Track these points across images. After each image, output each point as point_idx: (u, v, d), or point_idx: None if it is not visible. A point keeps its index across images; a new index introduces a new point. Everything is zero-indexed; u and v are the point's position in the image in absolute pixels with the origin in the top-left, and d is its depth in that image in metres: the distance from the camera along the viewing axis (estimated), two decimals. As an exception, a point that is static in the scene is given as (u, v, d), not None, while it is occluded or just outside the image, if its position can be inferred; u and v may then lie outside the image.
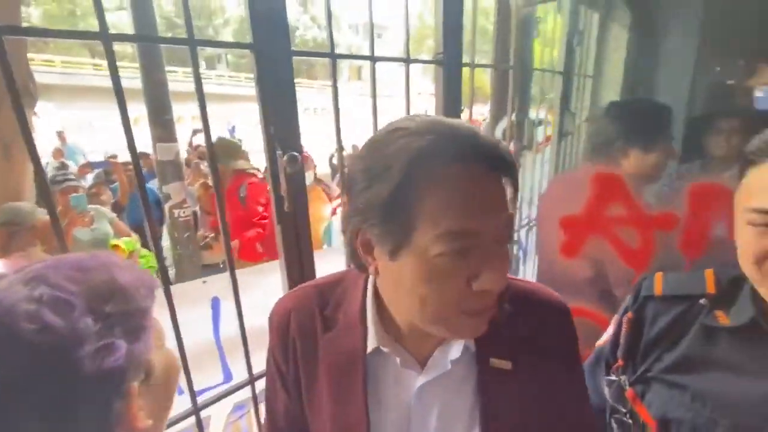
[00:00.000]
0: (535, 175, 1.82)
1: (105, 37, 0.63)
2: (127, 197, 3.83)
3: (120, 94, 0.66)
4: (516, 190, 0.48)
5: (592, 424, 0.65)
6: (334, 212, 3.07)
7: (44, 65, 13.84)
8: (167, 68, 3.04)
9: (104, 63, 0.68)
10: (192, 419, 0.90)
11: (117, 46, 0.66)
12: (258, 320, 1.12)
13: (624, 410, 0.74)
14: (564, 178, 1.54)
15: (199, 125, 0.84)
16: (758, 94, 1.28)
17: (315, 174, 3.82)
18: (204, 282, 1.11)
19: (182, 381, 0.79)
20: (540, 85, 2.14)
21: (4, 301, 0.38)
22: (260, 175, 2.94)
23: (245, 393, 1.02)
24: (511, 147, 1.67)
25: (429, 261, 0.45)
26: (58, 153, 6.43)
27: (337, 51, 0.90)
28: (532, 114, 1.93)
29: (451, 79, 1.18)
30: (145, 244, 3.00)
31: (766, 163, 0.56)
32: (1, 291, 0.39)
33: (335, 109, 0.95)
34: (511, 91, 1.56)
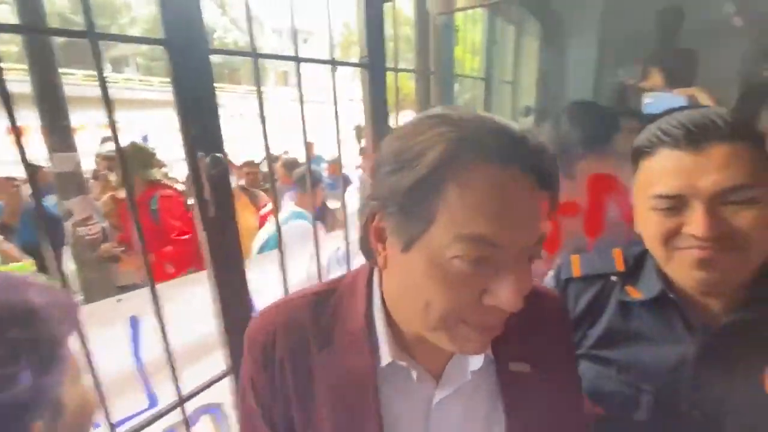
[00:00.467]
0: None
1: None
2: (16, 216, 3.33)
3: (6, 99, 0.58)
4: (555, 207, 0.44)
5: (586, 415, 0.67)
6: (263, 221, 2.95)
7: None
8: (63, 70, 2.71)
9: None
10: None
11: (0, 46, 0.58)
12: (185, 337, 1.05)
13: None
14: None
15: (107, 134, 0.77)
16: (647, 100, 1.43)
17: (240, 181, 3.65)
18: (119, 301, 1.01)
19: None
20: (471, 91, 2.27)
21: None
22: (179, 187, 2.72)
23: (175, 416, 0.94)
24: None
25: (443, 262, 0.42)
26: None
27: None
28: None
29: (376, 83, 1.21)
30: (43, 268, 2.62)
31: (657, 153, 0.63)
32: None
33: (261, 112, 0.92)
34: (434, 97, 1.64)
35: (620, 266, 0.76)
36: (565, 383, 0.60)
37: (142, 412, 1.01)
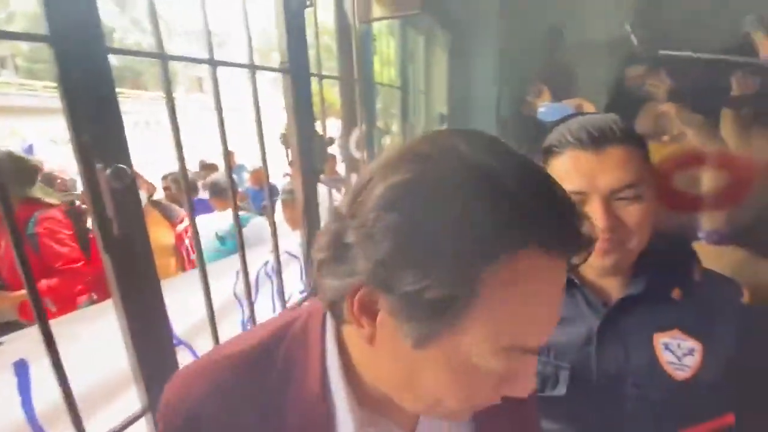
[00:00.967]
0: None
1: None
2: None
3: None
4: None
5: None
6: (180, 240, 2.71)
7: None
8: None
9: None
10: None
11: None
12: (87, 378, 0.91)
13: None
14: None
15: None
16: (541, 109, 1.62)
17: (150, 196, 3.32)
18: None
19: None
20: (387, 99, 2.33)
21: None
22: (63, 206, 2.27)
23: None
24: (362, 155, 1.77)
25: (465, 361, 0.34)
26: None
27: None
28: (379, 125, 2.09)
29: (300, 90, 1.18)
30: None
31: (564, 153, 0.72)
32: None
33: (173, 120, 0.84)
34: (359, 104, 1.65)
35: None
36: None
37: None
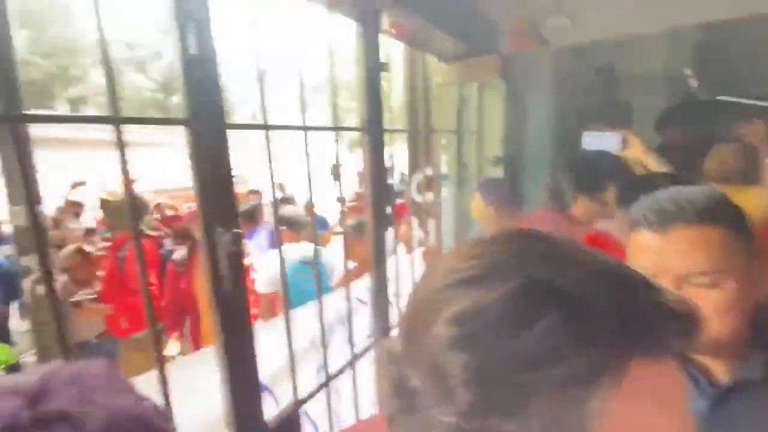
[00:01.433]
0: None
1: None
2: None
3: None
4: None
5: None
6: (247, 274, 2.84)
7: None
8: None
9: None
10: None
11: None
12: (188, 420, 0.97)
13: None
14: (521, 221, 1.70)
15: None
16: (586, 139, 1.47)
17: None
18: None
19: None
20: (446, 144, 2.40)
21: None
22: (156, 238, 2.63)
23: None
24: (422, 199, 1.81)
25: None
26: None
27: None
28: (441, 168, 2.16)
29: (376, 145, 1.26)
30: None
31: (638, 231, 0.65)
32: None
33: (272, 186, 0.93)
34: (423, 151, 1.71)
35: None
36: None
37: None
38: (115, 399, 0.35)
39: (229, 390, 0.85)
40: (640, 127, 1.92)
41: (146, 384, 0.67)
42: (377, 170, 1.25)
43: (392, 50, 1.50)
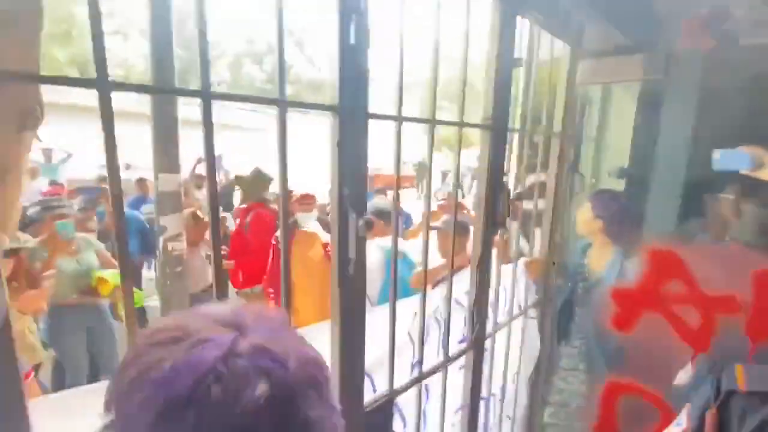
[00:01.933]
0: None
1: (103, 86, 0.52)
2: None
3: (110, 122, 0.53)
4: None
5: None
6: (328, 255, 2.98)
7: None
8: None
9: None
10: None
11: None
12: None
13: None
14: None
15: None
16: (715, 156, 1.27)
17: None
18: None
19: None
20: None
21: None
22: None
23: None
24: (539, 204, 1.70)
25: None
26: (33, 172, 5.88)
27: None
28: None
29: (498, 143, 1.21)
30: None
31: None
32: None
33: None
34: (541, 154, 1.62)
35: None
36: None
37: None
38: (298, 341, 0.37)
39: (339, 365, 0.89)
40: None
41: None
42: (495, 169, 1.20)
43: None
